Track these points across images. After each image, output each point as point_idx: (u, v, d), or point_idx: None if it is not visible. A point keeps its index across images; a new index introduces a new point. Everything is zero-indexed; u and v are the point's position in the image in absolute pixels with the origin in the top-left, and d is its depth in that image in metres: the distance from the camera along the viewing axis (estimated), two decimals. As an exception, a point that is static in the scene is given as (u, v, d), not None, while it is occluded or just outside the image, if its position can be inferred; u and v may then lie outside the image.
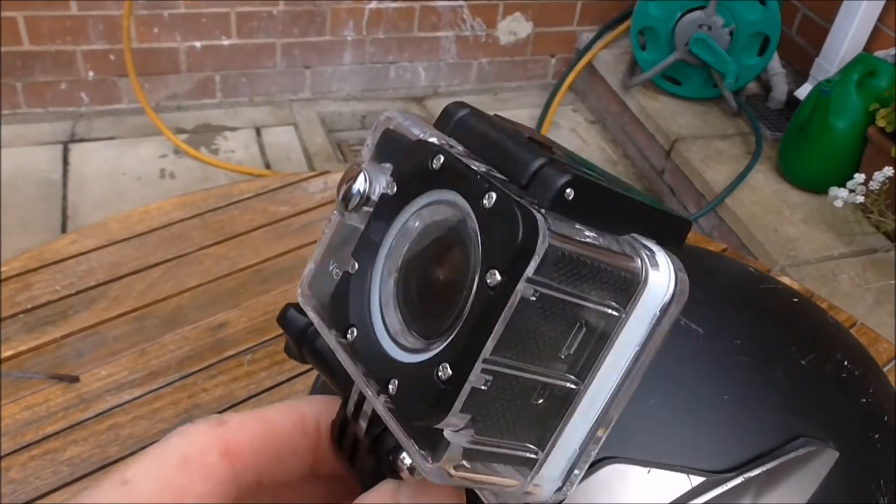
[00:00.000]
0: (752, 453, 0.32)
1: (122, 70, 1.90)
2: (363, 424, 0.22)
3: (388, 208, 0.21)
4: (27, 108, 1.91)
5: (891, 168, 1.44)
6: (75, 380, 0.68)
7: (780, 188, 1.77)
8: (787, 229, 1.66)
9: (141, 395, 0.67)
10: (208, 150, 1.95)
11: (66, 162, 1.86)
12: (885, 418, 0.38)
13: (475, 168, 0.19)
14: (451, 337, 0.18)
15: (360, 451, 0.22)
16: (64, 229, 1.68)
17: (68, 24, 1.83)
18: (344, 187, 0.22)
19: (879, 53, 1.74)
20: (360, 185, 0.22)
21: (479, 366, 0.18)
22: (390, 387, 0.19)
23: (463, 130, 0.21)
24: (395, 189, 0.21)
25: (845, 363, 0.38)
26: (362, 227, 0.22)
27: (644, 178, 2.05)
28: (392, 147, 0.22)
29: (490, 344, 0.17)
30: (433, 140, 0.21)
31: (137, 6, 1.83)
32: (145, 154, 1.92)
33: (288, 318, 0.27)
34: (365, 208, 0.22)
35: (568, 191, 0.18)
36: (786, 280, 0.86)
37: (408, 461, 0.20)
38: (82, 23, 1.84)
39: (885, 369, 0.74)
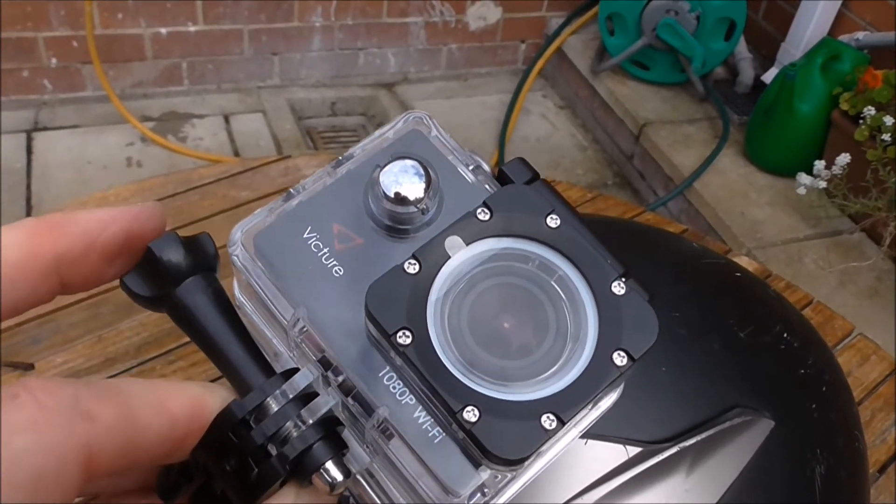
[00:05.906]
0: (687, 423, 0.33)
1: (86, 57, 1.87)
2: (288, 425, 0.20)
3: (475, 230, 0.21)
4: (-12, 96, 1.88)
5: (848, 154, 1.46)
6: (30, 367, 0.67)
7: (747, 171, 1.79)
8: (754, 212, 1.68)
9: (97, 381, 0.66)
10: (176, 139, 1.93)
11: (29, 151, 1.83)
12: (824, 389, 0.39)
13: (597, 250, 0.21)
14: (558, 391, 0.20)
15: (236, 453, 0.19)
16: (28, 219, 1.65)
17: (28, 10, 1.79)
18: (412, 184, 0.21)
19: (843, 37, 1.75)
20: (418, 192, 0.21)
21: (574, 426, 0.20)
22: (466, 414, 0.19)
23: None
24: (489, 216, 0.21)
25: (785, 335, 0.38)
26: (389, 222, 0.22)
27: (613, 163, 2.06)
28: (505, 178, 0.23)
29: (587, 409, 0.20)
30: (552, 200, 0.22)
31: (100, -8, 1.81)
32: (111, 142, 1.89)
33: (165, 256, 0.21)
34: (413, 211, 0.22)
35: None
36: (744, 260, 0.87)
37: (337, 476, 0.20)
38: (43, 8, 1.80)
39: (839, 346, 0.75)
